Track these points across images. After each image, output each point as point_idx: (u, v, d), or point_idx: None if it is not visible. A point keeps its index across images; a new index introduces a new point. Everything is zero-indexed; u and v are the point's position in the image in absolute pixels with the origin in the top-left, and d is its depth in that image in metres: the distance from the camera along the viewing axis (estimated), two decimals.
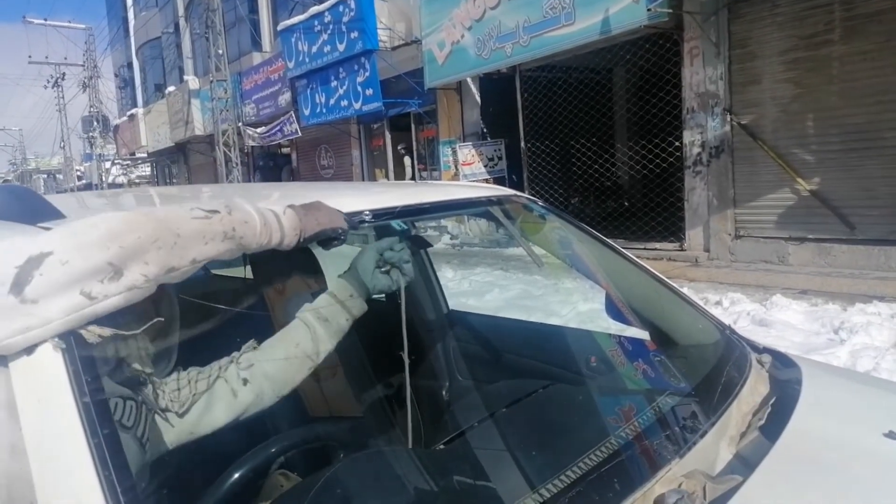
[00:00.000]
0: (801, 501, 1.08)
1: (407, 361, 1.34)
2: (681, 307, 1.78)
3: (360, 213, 1.31)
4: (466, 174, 9.89)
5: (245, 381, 1.12)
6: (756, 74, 7.07)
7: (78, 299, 0.77)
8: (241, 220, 0.99)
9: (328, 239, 1.18)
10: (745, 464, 1.18)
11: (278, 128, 15.56)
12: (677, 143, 7.96)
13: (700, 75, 7.46)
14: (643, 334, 1.81)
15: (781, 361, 1.63)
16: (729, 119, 7.26)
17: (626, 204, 10.85)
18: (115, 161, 31.31)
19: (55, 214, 1.15)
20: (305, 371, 1.21)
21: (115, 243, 0.81)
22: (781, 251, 6.99)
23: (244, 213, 1.01)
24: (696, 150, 7.61)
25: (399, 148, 13.48)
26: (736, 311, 5.20)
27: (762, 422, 1.31)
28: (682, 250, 7.93)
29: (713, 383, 1.42)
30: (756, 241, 7.21)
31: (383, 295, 2.44)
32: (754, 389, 1.46)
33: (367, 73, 12.13)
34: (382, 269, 1.32)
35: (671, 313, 1.83)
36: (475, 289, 6.98)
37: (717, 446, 1.24)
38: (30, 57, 35.00)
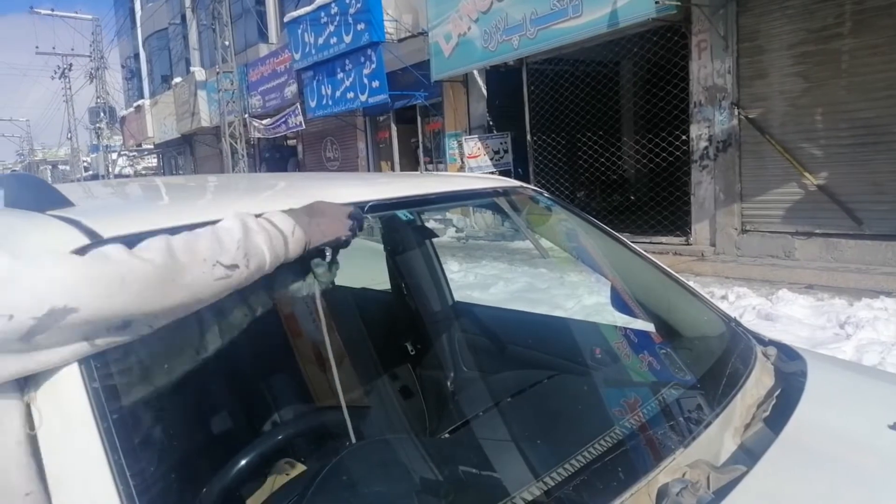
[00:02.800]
0: (805, 492, 1.08)
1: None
2: (687, 300, 1.78)
3: (364, 209, 1.27)
4: (472, 167, 9.87)
5: None
6: (764, 68, 7.03)
7: (82, 346, 0.79)
8: (257, 266, 0.97)
9: (335, 246, 1.14)
10: (749, 454, 1.19)
11: (283, 120, 15.56)
12: (684, 137, 7.93)
13: (708, 69, 7.42)
14: (649, 326, 1.81)
15: (787, 354, 1.63)
16: (736, 113, 7.22)
17: (633, 198, 10.82)
18: (122, 152, 31.38)
19: (63, 202, 1.16)
20: None
21: (139, 307, 0.81)
22: (788, 246, 6.96)
23: (260, 258, 0.97)
24: (703, 144, 7.58)
25: (412, 141, 13.47)
26: (742, 305, 5.19)
27: (767, 413, 1.32)
28: (688, 244, 7.91)
29: (718, 375, 1.43)
30: (762, 236, 7.19)
31: (389, 286, 2.45)
32: (759, 381, 1.47)
33: (374, 65, 12.11)
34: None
35: (677, 306, 1.83)
36: (480, 281, 6.99)
37: (721, 437, 1.24)
38: (37, 47, 35.08)
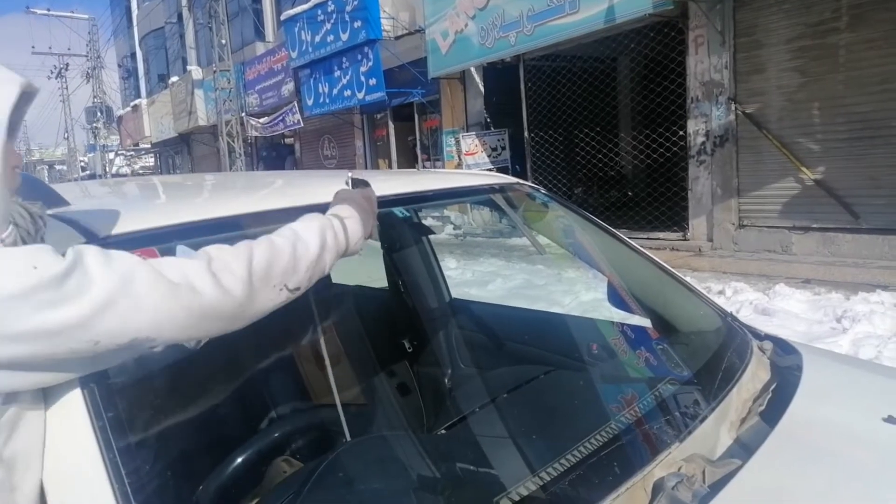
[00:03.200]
0: (800, 485, 1.09)
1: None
2: (683, 295, 1.79)
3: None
4: (470, 164, 9.87)
5: None
6: (761, 63, 7.03)
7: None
8: (313, 282, 0.93)
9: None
10: (744, 448, 1.19)
11: (281, 118, 15.54)
12: (681, 133, 7.93)
13: (705, 64, 7.42)
14: (645, 322, 1.82)
15: (782, 348, 1.63)
16: (733, 108, 7.22)
17: (630, 194, 10.82)
18: (119, 152, 31.31)
19: (60, 202, 1.16)
20: None
21: (197, 334, 0.81)
22: (785, 241, 6.97)
23: (321, 275, 0.94)
24: (701, 139, 7.59)
25: (409, 140, 13.45)
26: (739, 300, 5.20)
27: (762, 407, 1.32)
28: (685, 240, 7.92)
29: (714, 370, 1.43)
30: (760, 231, 7.20)
31: (386, 284, 2.45)
32: (755, 376, 1.47)
33: (371, 63, 12.09)
34: None
35: (673, 301, 1.84)
36: (478, 278, 6.99)
37: (717, 431, 1.25)
38: (33, 47, 35.03)
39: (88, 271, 0.73)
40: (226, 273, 0.81)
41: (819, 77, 6.59)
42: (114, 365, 0.81)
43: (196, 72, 19.66)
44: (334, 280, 2.22)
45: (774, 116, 6.98)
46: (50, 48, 35.33)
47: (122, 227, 1.07)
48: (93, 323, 0.71)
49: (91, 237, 1.01)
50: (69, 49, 35.61)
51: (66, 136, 37.71)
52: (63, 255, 0.77)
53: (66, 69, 35.33)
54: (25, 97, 0.90)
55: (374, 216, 1.08)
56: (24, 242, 0.82)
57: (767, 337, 1.70)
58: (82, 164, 38.50)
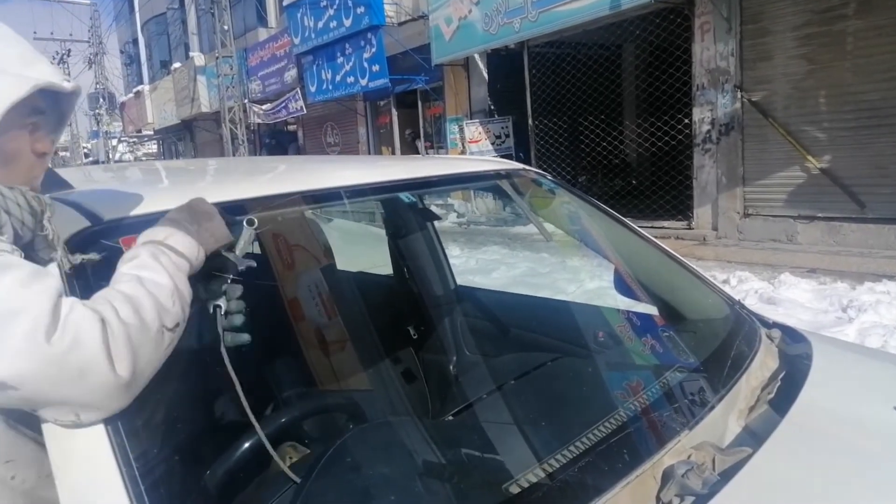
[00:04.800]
0: (811, 474, 1.08)
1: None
2: (690, 282, 1.77)
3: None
4: (473, 151, 9.83)
5: None
6: (768, 50, 6.96)
7: None
8: (186, 308, 0.86)
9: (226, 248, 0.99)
10: (753, 437, 1.18)
11: (284, 105, 15.47)
12: (686, 121, 7.88)
13: (711, 51, 7.35)
14: (652, 309, 1.81)
15: (791, 336, 1.62)
16: (739, 96, 7.17)
17: (634, 182, 10.78)
18: (122, 138, 31.28)
19: (63, 185, 1.15)
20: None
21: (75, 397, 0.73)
22: (790, 230, 6.94)
23: (186, 298, 0.86)
24: (706, 127, 7.54)
25: (406, 134, 13.39)
26: (744, 289, 5.18)
27: (771, 395, 1.31)
28: (689, 229, 7.89)
29: (722, 357, 1.42)
30: (765, 220, 7.17)
31: (391, 270, 2.44)
32: (763, 364, 1.46)
33: (374, 49, 12.02)
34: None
35: (680, 288, 1.82)
36: (482, 266, 6.98)
37: (725, 419, 1.24)
38: (35, 33, 34.83)
39: None
40: (113, 344, 0.73)
41: (826, 65, 6.53)
42: None
43: (198, 58, 19.56)
44: (339, 267, 2.21)
45: (781, 104, 6.92)
46: (52, 34, 35.16)
47: (126, 210, 1.06)
48: None
49: (94, 220, 1.00)
50: (71, 35, 35.51)
51: (69, 122, 37.70)
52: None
53: (69, 55, 35.20)
54: (67, 100, 0.93)
55: (209, 220, 0.96)
56: (18, 233, 0.80)
57: (776, 325, 1.68)
58: (85, 150, 38.47)
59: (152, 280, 0.82)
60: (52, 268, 0.85)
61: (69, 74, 35.39)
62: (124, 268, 0.84)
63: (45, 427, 0.74)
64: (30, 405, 0.72)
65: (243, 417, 0.91)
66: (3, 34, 0.90)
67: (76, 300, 0.74)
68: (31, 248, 0.83)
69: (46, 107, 0.89)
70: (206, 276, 0.96)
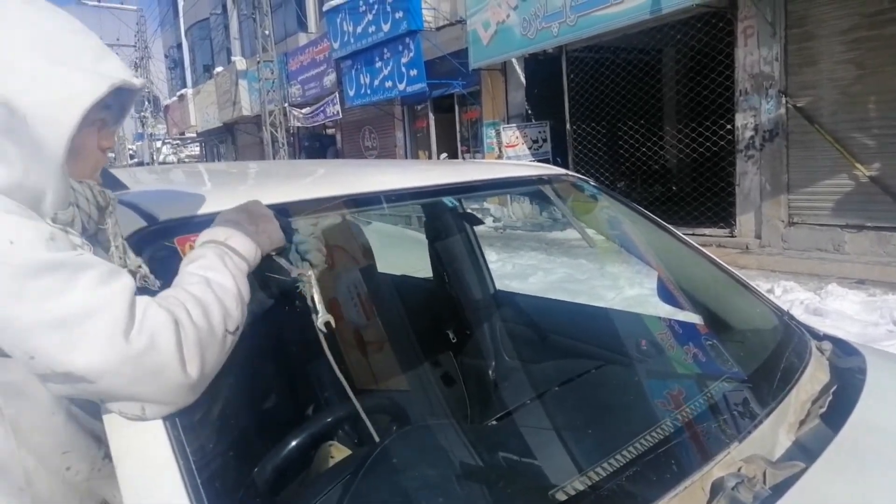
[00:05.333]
0: (866, 492, 1.04)
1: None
2: (736, 291, 1.74)
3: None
4: (510, 156, 9.80)
5: None
6: (814, 55, 6.79)
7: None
8: (245, 311, 0.87)
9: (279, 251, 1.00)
10: (805, 452, 1.15)
11: (322, 109, 15.68)
12: (729, 127, 7.72)
13: (754, 56, 7.20)
14: (695, 318, 1.77)
15: (843, 349, 1.57)
16: (784, 102, 7.00)
17: (675, 188, 10.60)
18: (166, 140, 32.02)
19: (120, 186, 1.18)
20: None
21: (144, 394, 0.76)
22: (837, 239, 6.74)
23: (245, 301, 0.88)
24: (749, 133, 7.38)
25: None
26: (788, 299, 5.05)
27: (823, 410, 1.27)
28: (731, 237, 7.72)
29: (771, 369, 1.39)
30: (811, 229, 6.98)
31: (430, 274, 2.44)
32: (814, 377, 1.42)
33: (412, 54, 12.09)
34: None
35: (725, 297, 1.79)
36: (518, 272, 6.95)
37: (775, 433, 1.21)
38: None
39: (76, 282, 0.70)
40: (186, 350, 0.75)
41: (876, 69, 6.33)
42: (42, 400, 0.78)
43: (240, 62, 19.95)
44: (379, 269, 2.22)
45: (827, 110, 6.74)
46: (100, 39, 36.20)
47: (181, 211, 1.09)
48: (34, 334, 0.67)
49: (151, 220, 1.03)
50: (118, 39, 36.42)
51: (129, 115, 38.69)
52: (76, 248, 0.75)
53: None
54: (128, 93, 0.93)
55: (267, 223, 0.97)
56: (85, 227, 0.83)
57: (826, 337, 1.64)
58: (131, 151, 39.45)
59: (219, 283, 0.83)
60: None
61: None
62: (192, 267, 0.86)
63: (107, 418, 0.76)
64: (102, 397, 0.75)
65: (292, 414, 0.92)
66: (76, 28, 0.89)
67: (150, 300, 0.76)
68: (95, 241, 0.86)
69: (112, 101, 0.90)
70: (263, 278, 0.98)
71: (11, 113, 0.75)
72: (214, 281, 0.83)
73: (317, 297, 0.97)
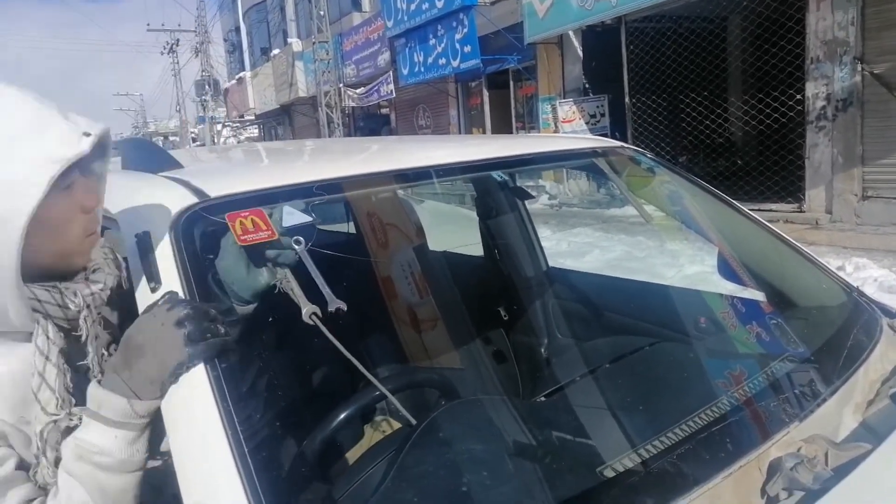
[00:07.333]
0: None
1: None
2: (802, 267, 1.66)
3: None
4: (567, 131, 9.61)
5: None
6: (894, 18, 6.37)
7: None
8: None
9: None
10: (872, 433, 1.10)
11: (376, 88, 15.74)
12: (798, 97, 7.35)
13: (827, 21, 6.81)
14: (759, 295, 1.71)
15: None
16: (860, 69, 6.61)
17: (740, 162, 10.20)
18: (226, 123, 32.85)
19: (174, 164, 1.22)
20: None
21: None
22: None
23: None
24: (821, 103, 7.01)
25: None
26: (861, 276, 4.81)
27: (894, 390, 1.21)
28: (800, 212, 7.40)
29: (837, 347, 1.32)
30: (886, 203, 6.61)
31: (481, 251, 2.43)
32: (884, 355, 1.35)
33: (466, 30, 11.97)
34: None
35: (791, 273, 1.71)
36: (574, 249, 6.86)
37: (840, 413, 1.15)
38: (148, 25, 37.07)
39: None
40: None
41: None
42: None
43: (296, 44, 20.20)
44: (430, 247, 2.23)
45: None
46: (163, 25, 37.26)
47: (230, 187, 1.10)
48: None
49: (202, 196, 1.05)
50: (179, 25, 37.44)
51: (177, 108, 39.88)
52: None
53: (178, 45, 37.22)
54: (99, 149, 0.83)
55: (141, 358, 0.79)
56: (65, 327, 0.83)
57: None
58: (193, 135, 40.68)
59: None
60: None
61: (178, 63, 37.39)
62: (63, 462, 0.78)
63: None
64: None
65: (341, 388, 0.93)
66: (4, 101, 0.76)
67: None
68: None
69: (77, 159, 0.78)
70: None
71: None
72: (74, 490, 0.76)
73: (297, 292, 0.95)
